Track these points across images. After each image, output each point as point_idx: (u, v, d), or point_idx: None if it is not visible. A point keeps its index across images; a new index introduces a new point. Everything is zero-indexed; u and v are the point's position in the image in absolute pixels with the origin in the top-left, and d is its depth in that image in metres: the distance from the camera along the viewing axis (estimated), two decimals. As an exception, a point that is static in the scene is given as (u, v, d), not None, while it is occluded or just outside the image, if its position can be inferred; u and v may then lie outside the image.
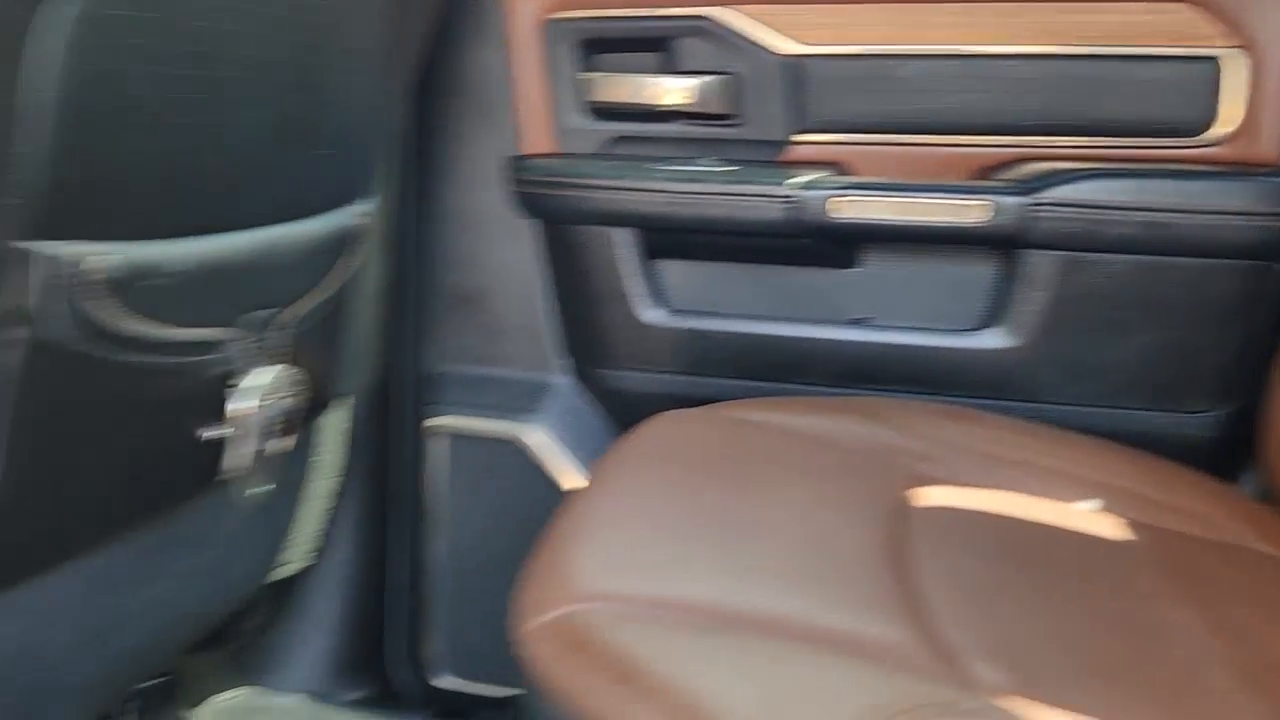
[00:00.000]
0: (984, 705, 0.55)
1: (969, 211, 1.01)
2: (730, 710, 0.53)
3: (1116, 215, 0.98)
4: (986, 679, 0.58)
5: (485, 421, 1.18)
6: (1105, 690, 0.59)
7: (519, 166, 1.15)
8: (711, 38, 1.10)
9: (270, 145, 0.74)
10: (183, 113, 0.65)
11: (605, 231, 1.12)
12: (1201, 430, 1.02)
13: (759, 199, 1.06)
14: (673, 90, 1.11)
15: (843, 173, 1.09)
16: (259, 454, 0.80)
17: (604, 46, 1.13)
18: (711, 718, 0.53)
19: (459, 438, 1.19)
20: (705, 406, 0.95)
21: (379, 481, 1.21)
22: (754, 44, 1.08)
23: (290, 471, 0.96)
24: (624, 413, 1.14)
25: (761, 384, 1.11)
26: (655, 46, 1.12)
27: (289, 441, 0.83)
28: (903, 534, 0.75)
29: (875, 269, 1.09)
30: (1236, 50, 0.98)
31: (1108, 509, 0.82)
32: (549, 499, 1.15)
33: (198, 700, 1.17)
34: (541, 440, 1.16)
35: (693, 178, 1.08)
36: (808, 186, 1.05)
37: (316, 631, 1.21)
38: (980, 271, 1.06)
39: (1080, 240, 0.99)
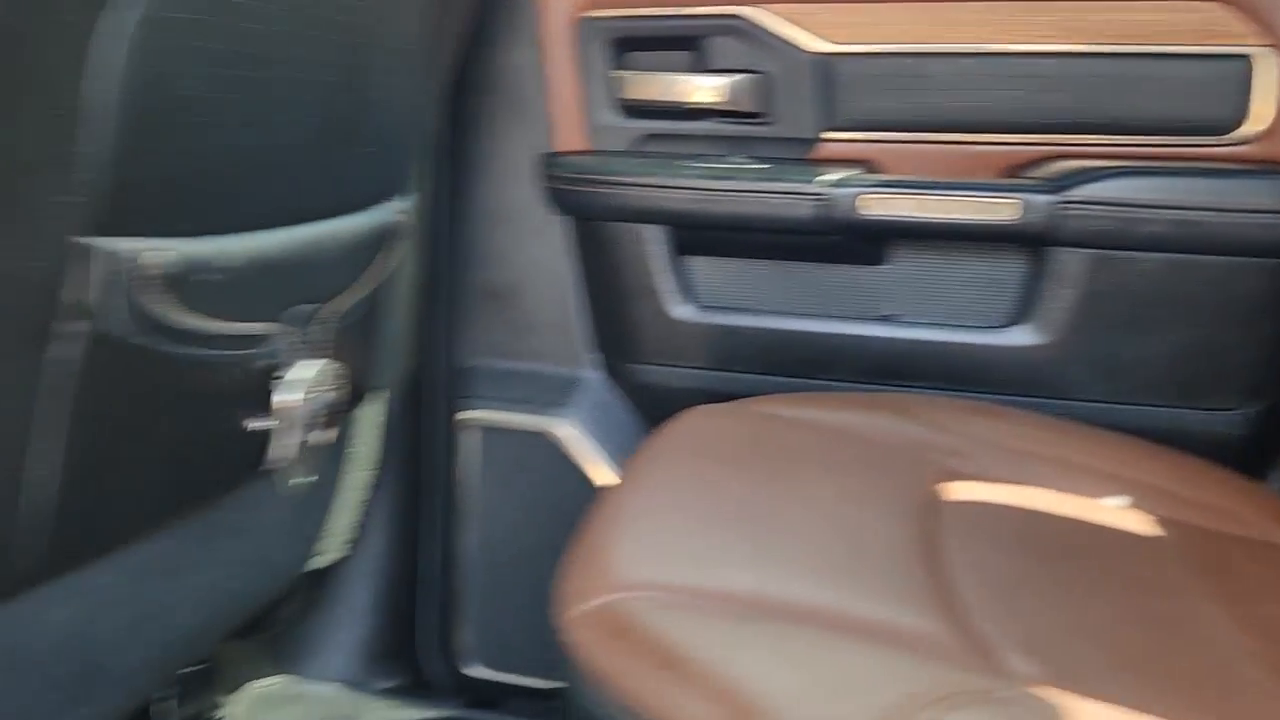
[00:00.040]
0: (1019, 694, 0.56)
1: (998, 209, 1.02)
2: (770, 695, 0.55)
3: (1146, 213, 0.99)
4: (1020, 669, 0.59)
5: (516, 415, 1.19)
6: (1136, 683, 0.60)
7: (551, 164, 1.16)
8: (742, 36, 1.11)
9: (316, 143, 0.76)
10: (236, 112, 0.67)
11: (636, 228, 1.13)
12: (1230, 427, 1.03)
13: (789, 196, 1.07)
14: (703, 88, 1.12)
15: (872, 170, 1.10)
16: (303, 445, 0.82)
17: (636, 45, 1.14)
18: (752, 702, 0.55)
19: (490, 431, 1.20)
20: (735, 402, 0.96)
21: (412, 473, 1.23)
22: (784, 42, 1.09)
23: (328, 463, 0.98)
24: (653, 407, 1.15)
25: (790, 379, 1.11)
26: (686, 45, 1.13)
27: (331, 434, 0.85)
28: (933, 528, 0.76)
29: (904, 266, 1.10)
30: (1268, 49, 0.99)
31: (1136, 505, 0.83)
32: (578, 491, 1.16)
33: (234, 687, 1.19)
34: (571, 434, 1.18)
35: (723, 175, 1.09)
36: (838, 184, 1.06)
37: (350, 621, 1.24)
38: (1009, 268, 1.07)
39: (1110, 238, 1.00)
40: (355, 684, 1.23)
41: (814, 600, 0.64)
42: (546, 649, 1.18)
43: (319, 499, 1.03)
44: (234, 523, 0.87)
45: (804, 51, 1.09)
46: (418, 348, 1.22)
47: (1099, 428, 0.96)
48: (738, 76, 1.11)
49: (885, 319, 1.10)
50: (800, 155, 1.12)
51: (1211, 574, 0.74)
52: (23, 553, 0.64)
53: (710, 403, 0.95)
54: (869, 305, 1.11)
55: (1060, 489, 0.84)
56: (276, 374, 0.78)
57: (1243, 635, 0.66)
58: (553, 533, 1.17)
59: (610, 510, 0.76)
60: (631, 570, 0.67)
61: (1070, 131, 1.05)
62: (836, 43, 1.09)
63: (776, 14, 1.09)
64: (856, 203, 1.05)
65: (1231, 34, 0.99)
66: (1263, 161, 1.00)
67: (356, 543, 1.20)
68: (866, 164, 1.10)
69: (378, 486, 1.20)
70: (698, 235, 1.13)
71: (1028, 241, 1.04)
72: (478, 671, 1.24)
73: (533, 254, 1.20)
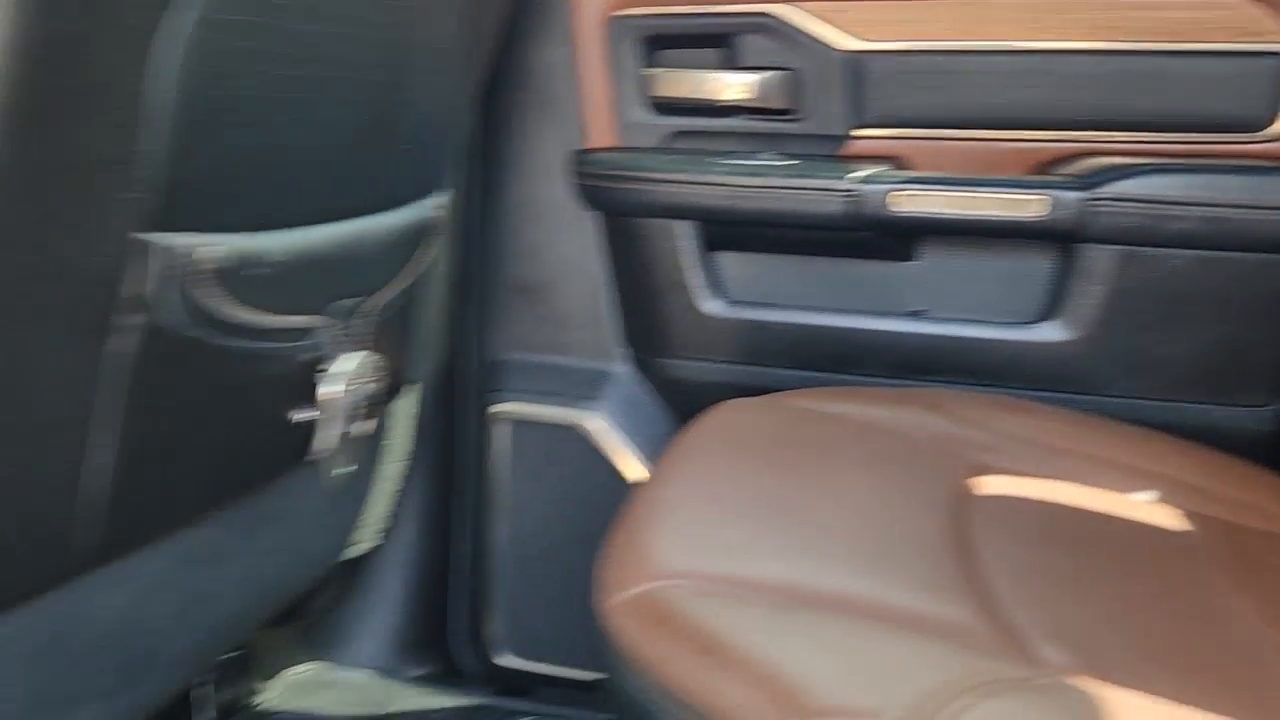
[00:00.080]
0: (1054, 683, 0.57)
1: (1028, 206, 1.03)
2: (810, 680, 0.56)
3: (1176, 210, 0.99)
4: (1053, 659, 0.60)
5: (547, 408, 1.21)
6: (1166, 674, 0.60)
7: (582, 160, 1.17)
8: (773, 34, 1.11)
9: (360, 141, 0.78)
10: (286, 111, 0.68)
11: (666, 224, 1.14)
12: (1258, 424, 1.03)
13: (819, 193, 1.07)
14: (734, 86, 1.13)
15: (902, 167, 1.11)
16: (344, 436, 0.83)
17: (666, 43, 1.15)
18: (792, 687, 0.56)
19: (521, 424, 1.22)
20: (766, 396, 0.97)
21: (444, 465, 1.25)
22: (814, 40, 1.10)
23: (365, 454, 1.00)
24: (682, 401, 1.16)
25: (819, 374, 1.12)
26: (717, 43, 1.14)
27: (371, 425, 0.87)
28: (965, 521, 0.77)
29: (934, 262, 1.11)
30: (1300, 47, 0.99)
31: (1165, 500, 0.83)
32: (608, 484, 1.18)
33: (270, 674, 1.21)
34: (601, 427, 1.19)
35: (753, 172, 1.10)
36: (868, 181, 1.06)
37: (383, 609, 1.26)
38: (1038, 265, 1.07)
39: (1139, 235, 1.00)
40: (387, 672, 1.25)
41: (849, 590, 0.65)
42: (576, 639, 1.21)
43: (355, 489, 1.05)
44: (275, 511, 0.89)
45: (834, 49, 1.10)
46: (450, 342, 1.24)
47: (1127, 423, 0.97)
48: (768, 74, 1.12)
49: (914, 315, 1.11)
50: (830, 152, 1.13)
51: (1239, 568, 0.74)
52: (79, 539, 0.66)
53: (739, 397, 0.96)
54: (898, 301, 1.12)
55: (1089, 484, 0.84)
56: (320, 366, 0.80)
57: (1270, 629, 0.67)
58: (582, 524, 1.19)
59: (647, 501, 0.77)
60: (670, 559, 0.68)
61: (1101, 129, 1.05)
62: (866, 40, 1.09)
63: (807, 11, 1.10)
64: (886, 199, 1.06)
65: (1263, 32, 0.99)
66: (1293, 159, 1.01)
67: (389, 533, 1.22)
68: (896, 161, 1.11)
69: (410, 477, 1.22)
70: (728, 231, 1.14)
71: (1057, 238, 1.04)
72: (508, 661, 1.25)
73: (564, 250, 1.21)
